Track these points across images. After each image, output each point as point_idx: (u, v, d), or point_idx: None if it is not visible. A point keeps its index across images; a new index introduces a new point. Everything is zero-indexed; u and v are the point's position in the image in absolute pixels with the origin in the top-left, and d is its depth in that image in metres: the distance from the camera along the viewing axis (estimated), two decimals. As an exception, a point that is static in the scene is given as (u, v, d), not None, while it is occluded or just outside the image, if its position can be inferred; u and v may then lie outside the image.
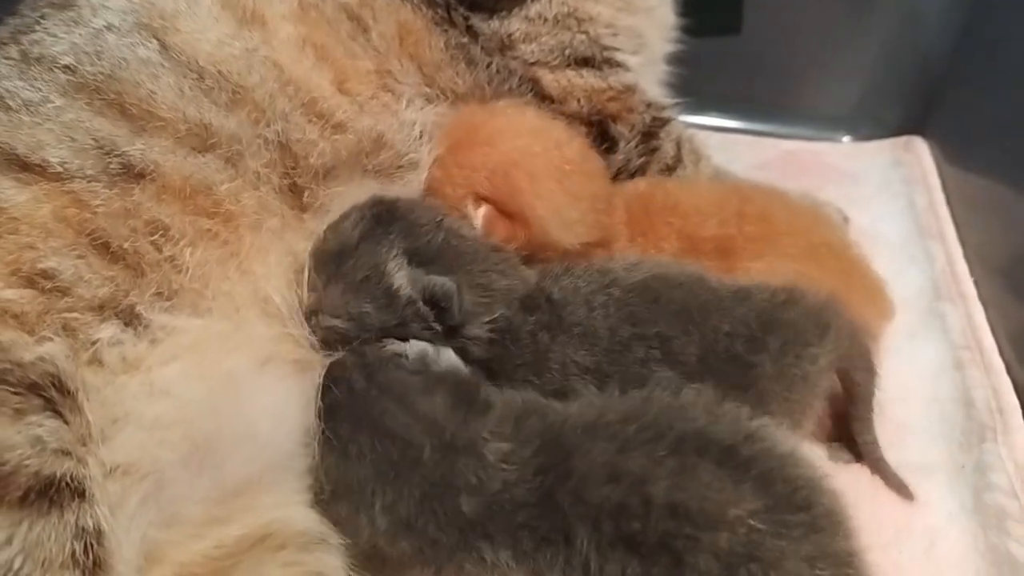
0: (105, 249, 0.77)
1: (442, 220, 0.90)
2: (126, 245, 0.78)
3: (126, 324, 0.76)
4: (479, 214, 0.92)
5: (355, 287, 0.84)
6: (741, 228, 0.98)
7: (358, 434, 0.73)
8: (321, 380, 0.77)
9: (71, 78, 0.83)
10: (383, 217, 0.87)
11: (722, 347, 0.82)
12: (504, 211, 0.93)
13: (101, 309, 0.75)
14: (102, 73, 0.83)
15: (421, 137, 0.99)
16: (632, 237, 1.02)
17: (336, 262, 0.85)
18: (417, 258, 0.86)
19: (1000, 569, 0.82)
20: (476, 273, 0.88)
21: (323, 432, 0.75)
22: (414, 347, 0.81)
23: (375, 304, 0.84)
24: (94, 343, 0.73)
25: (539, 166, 0.94)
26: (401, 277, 0.84)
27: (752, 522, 0.64)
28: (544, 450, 0.71)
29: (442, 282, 0.84)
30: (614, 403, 0.75)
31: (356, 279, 0.84)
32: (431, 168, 0.98)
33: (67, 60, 0.83)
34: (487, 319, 0.86)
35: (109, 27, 0.86)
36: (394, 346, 0.81)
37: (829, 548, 0.66)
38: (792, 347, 0.83)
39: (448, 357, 0.82)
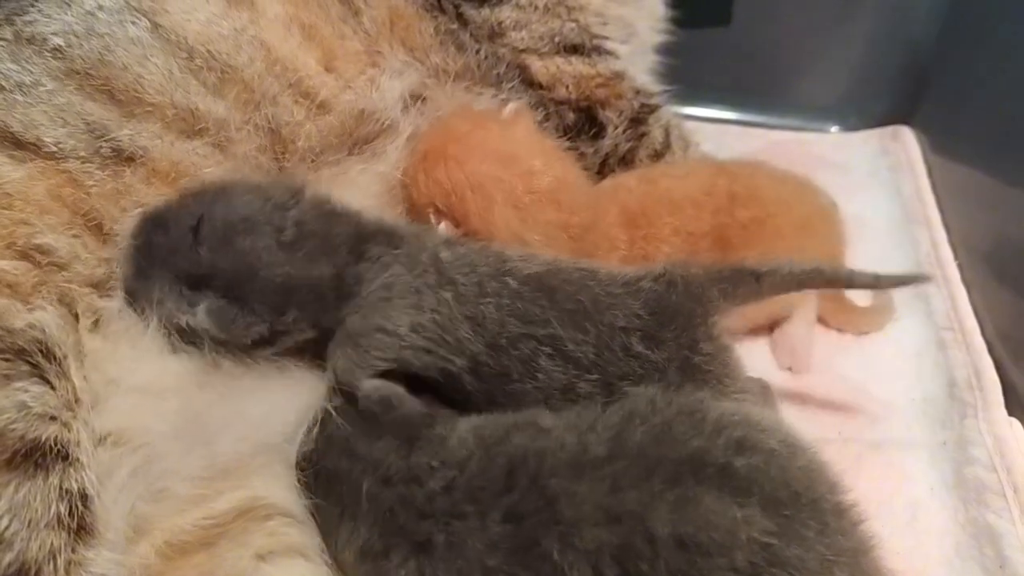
0: (99, 230, 0.78)
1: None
2: (117, 227, 0.79)
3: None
4: (439, 228, 0.91)
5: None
6: (734, 213, 0.98)
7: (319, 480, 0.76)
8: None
9: (60, 63, 0.84)
10: None
11: (618, 344, 0.78)
12: (460, 227, 0.93)
13: (99, 287, 0.77)
14: (91, 57, 0.84)
15: (404, 106, 1.00)
16: (633, 241, 1.00)
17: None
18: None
19: (979, 540, 0.84)
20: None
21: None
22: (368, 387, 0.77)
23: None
24: (97, 311, 0.75)
25: (498, 193, 0.93)
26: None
27: (766, 540, 0.63)
28: (519, 490, 0.69)
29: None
30: (595, 431, 0.71)
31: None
32: (405, 167, 0.98)
33: (57, 41, 0.84)
34: None
35: (100, 7, 0.87)
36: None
37: (843, 545, 0.65)
38: (684, 333, 0.79)
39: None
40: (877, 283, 0.88)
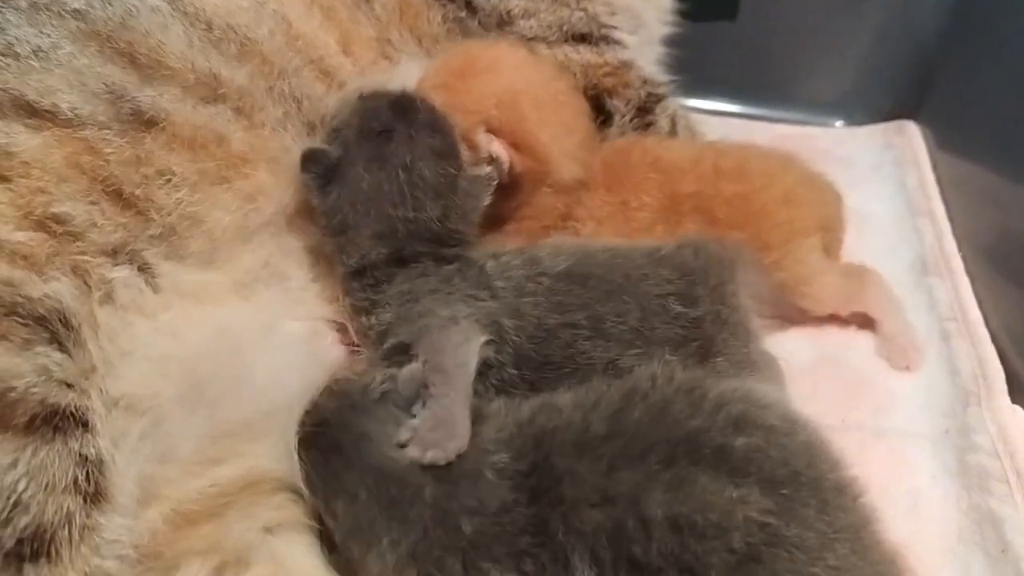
0: (118, 196, 0.78)
1: None
2: (138, 192, 0.79)
3: (138, 269, 0.78)
4: (493, 147, 0.93)
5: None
6: (718, 187, 0.99)
7: (362, 477, 0.71)
8: (304, 420, 0.75)
9: (81, 24, 0.83)
10: None
11: (658, 306, 0.83)
12: (510, 142, 0.94)
13: (115, 254, 0.77)
14: (113, 20, 0.84)
15: None
16: (610, 187, 1.02)
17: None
18: None
19: (981, 526, 0.84)
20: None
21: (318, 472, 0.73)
22: (405, 375, 0.77)
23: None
24: (108, 282, 0.76)
25: (540, 95, 0.97)
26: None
27: (765, 519, 0.63)
28: (538, 470, 0.70)
29: None
30: (597, 409, 0.72)
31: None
32: (434, 93, 0.97)
33: (78, 4, 0.84)
34: None
35: None
36: (384, 380, 0.76)
37: (844, 521, 0.66)
38: (715, 290, 0.85)
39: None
40: None
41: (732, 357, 0.83)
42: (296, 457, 0.73)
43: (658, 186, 1.00)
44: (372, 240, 0.85)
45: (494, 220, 0.96)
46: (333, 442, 0.72)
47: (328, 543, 0.75)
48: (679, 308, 0.83)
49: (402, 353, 0.80)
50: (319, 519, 0.75)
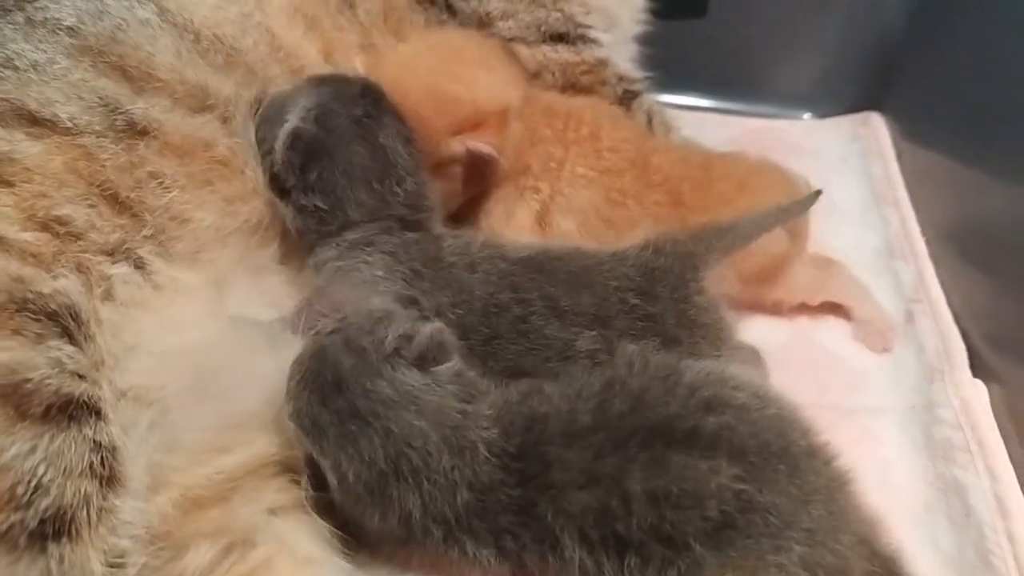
0: (114, 199, 0.81)
1: None
2: (132, 195, 0.82)
3: (135, 267, 0.81)
4: (476, 148, 0.97)
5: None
6: (689, 172, 1.03)
7: (383, 444, 0.71)
8: (311, 368, 0.74)
9: (74, 41, 0.87)
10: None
11: (615, 299, 0.84)
12: (471, 130, 0.98)
13: (112, 253, 0.80)
14: (103, 35, 0.87)
15: None
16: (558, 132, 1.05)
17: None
18: None
19: (947, 495, 0.89)
20: None
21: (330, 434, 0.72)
22: (425, 332, 0.76)
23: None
24: (108, 279, 0.78)
25: (447, 67, 1.00)
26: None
27: (737, 486, 0.66)
28: (527, 456, 0.72)
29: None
30: (581, 399, 0.74)
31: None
32: None
33: (70, 21, 0.87)
34: None
35: None
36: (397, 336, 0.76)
37: (815, 484, 0.69)
38: (677, 290, 0.85)
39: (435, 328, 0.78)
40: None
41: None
42: (295, 413, 0.73)
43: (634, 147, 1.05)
44: (361, 209, 0.90)
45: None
46: (352, 406, 0.72)
47: (318, 507, 0.77)
48: (635, 301, 0.84)
49: None
50: (314, 479, 0.77)
